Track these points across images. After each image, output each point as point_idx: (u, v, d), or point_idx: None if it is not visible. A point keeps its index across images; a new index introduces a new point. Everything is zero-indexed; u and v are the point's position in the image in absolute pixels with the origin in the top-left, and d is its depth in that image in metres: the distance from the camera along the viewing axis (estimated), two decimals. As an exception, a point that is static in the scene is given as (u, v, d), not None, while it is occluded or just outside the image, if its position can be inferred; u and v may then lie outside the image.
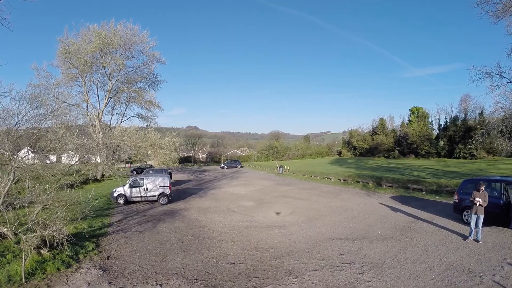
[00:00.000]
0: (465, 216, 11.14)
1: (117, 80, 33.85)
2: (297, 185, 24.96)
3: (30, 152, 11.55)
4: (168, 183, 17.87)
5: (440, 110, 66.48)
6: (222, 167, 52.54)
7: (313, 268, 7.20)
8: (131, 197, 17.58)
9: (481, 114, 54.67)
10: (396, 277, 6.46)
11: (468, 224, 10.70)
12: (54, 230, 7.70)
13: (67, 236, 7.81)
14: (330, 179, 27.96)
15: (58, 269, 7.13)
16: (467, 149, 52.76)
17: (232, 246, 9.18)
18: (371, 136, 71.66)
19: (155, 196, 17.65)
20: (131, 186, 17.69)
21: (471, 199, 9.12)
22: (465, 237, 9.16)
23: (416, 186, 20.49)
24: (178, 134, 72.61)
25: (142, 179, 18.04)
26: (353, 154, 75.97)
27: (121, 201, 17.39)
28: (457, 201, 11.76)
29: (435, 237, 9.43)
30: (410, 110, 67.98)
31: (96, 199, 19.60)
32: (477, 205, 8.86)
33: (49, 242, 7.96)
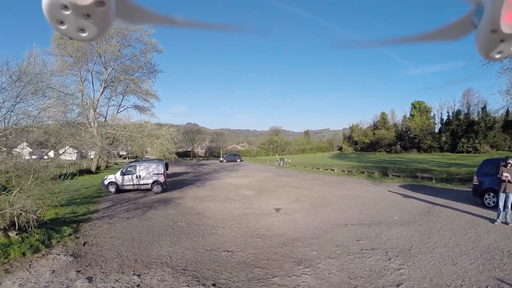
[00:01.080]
0: (486, 199, 10.07)
1: (113, 69, 32.59)
2: (299, 176, 23.84)
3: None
4: (163, 170, 16.72)
5: (443, 104, 65.81)
6: (221, 161, 51.40)
7: (328, 256, 6.07)
8: (123, 185, 16.44)
9: (484, 108, 53.74)
10: (429, 263, 5.34)
11: (491, 207, 9.62)
12: (24, 210, 6.57)
13: (37, 217, 6.67)
14: (333, 170, 26.85)
15: (24, 253, 6.02)
16: (470, 143, 51.68)
17: (230, 233, 8.01)
18: (373, 130, 70.45)
19: (148, 184, 16.50)
20: (123, 174, 16.56)
21: (499, 176, 8.05)
22: (492, 220, 8.08)
23: (425, 175, 19.44)
24: (177, 130, 71.85)
25: (135, 166, 16.92)
26: (354, 149, 74.86)
27: (112, 189, 16.27)
28: (477, 183, 10.70)
29: (459, 220, 8.32)
30: (412, 104, 66.90)
31: (87, 188, 18.65)
32: (506, 181, 7.78)
33: (18, 224, 6.84)
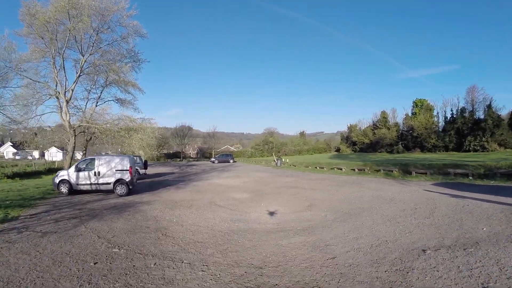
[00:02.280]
0: None
1: (90, 54, 28.21)
2: (302, 176, 19.90)
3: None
4: (129, 166, 12.66)
5: (446, 102, 62.38)
6: (213, 162, 47.24)
7: None
8: (78, 184, 12.48)
9: (489, 105, 51.14)
10: None
11: None
12: None
13: None
14: (341, 169, 23.00)
15: None
16: (477, 141, 48.75)
17: (200, 284, 3.90)
18: (372, 130, 67.10)
19: (109, 184, 12.49)
20: (78, 170, 12.59)
21: None
22: None
23: (459, 171, 16.02)
24: (172, 134, 67.43)
25: (93, 160, 12.82)
26: (352, 150, 71.39)
27: (64, 189, 12.31)
28: None
29: None
30: (414, 102, 64.15)
31: (38, 188, 14.85)
32: None
33: None
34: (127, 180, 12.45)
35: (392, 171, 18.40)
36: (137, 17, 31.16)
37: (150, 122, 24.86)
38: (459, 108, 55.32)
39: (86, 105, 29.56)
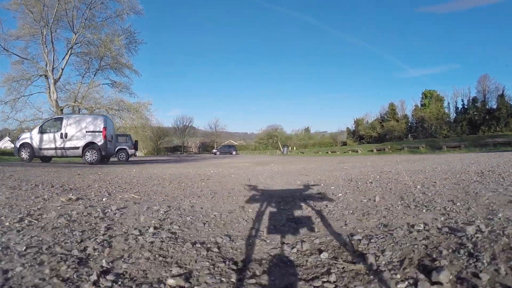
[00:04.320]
0: None
1: (83, 29, 26.22)
2: (323, 160, 17.52)
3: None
4: (102, 127, 10.55)
5: (457, 92, 59.92)
6: (215, 153, 45.23)
7: None
8: (41, 148, 10.43)
9: (502, 95, 49.15)
10: None
11: None
12: None
13: None
14: (357, 151, 20.82)
15: None
16: (491, 131, 46.62)
17: None
18: (380, 123, 64.71)
19: (78, 148, 10.44)
20: (41, 131, 10.55)
21: None
22: None
23: (499, 140, 14.02)
24: (175, 133, 65.20)
25: (60, 119, 10.77)
26: (359, 144, 68.96)
27: (24, 155, 10.33)
28: None
29: None
30: (423, 93, 61.68)
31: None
32: None
33: None
34: (99, 144, 10.33)
35: (419, 148, 16.21)
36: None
37: (147, 107, 22.94)
38: (471, 98, 53.55)
39: (79, 90, 27.69)
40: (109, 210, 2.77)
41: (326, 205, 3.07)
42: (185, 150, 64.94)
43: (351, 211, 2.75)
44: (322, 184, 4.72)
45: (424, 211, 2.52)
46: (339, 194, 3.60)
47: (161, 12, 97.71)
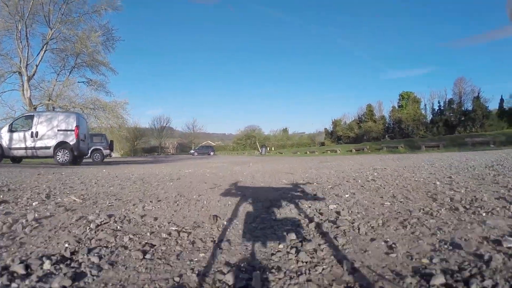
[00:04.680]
0: None
1: (59, 23, 24.24)
2: (303, 159, 16.96)
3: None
4: (75, 125, 9.54)
5: (433, 94, 61.89)
6: (192, 154, 43.82)
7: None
8: (10, 148, 9.44)
9: (477, 97, 51.03)
10: None
11: None
12: None
13: None
14: (335, 151, 20.41)
15: None
16: (467, 131, 48.31)
17: None
18: (358, 124, 65.78)
19: (49, 148, 9.47)
20: (11, 130, 9.53)
21: None
22: None
23: (477, 140, 14.04)
24: (152, 133, 62.80)
25: (31, 117, 9.73)
26: (337, 144, 69.74)
27: None
28: None
29: None
30: (400, 95, 63.20)
31: None
32: None
33: None
34: (71, 143, 9.34)
35: (397, 147, 15.94)
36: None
37: (123, 107, 21.56)
38: (447, 100, 55.16)
39: (53, 88, 25.80)
40: (23, 221, 1.88)
41: (338, 213, 2.18)
42: (162, 151, 62.75)
43: (380, 221, 1.87)
44: (315, 183, 3.90)
45: (484, 214, 1.74)
46: (346, 195, 2.75)
47: (139, 9, 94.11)
